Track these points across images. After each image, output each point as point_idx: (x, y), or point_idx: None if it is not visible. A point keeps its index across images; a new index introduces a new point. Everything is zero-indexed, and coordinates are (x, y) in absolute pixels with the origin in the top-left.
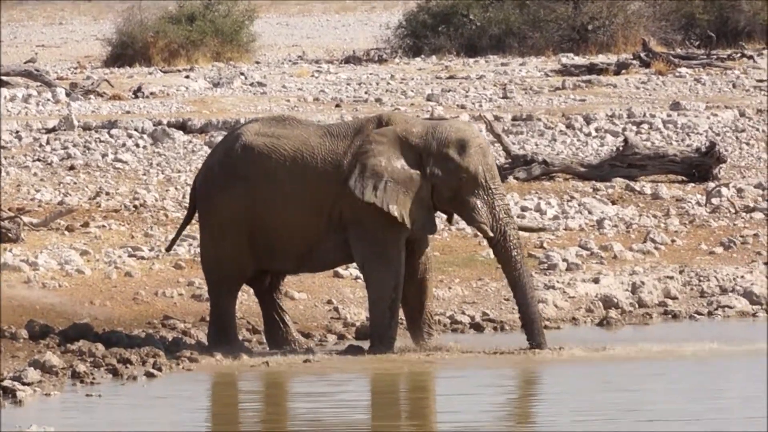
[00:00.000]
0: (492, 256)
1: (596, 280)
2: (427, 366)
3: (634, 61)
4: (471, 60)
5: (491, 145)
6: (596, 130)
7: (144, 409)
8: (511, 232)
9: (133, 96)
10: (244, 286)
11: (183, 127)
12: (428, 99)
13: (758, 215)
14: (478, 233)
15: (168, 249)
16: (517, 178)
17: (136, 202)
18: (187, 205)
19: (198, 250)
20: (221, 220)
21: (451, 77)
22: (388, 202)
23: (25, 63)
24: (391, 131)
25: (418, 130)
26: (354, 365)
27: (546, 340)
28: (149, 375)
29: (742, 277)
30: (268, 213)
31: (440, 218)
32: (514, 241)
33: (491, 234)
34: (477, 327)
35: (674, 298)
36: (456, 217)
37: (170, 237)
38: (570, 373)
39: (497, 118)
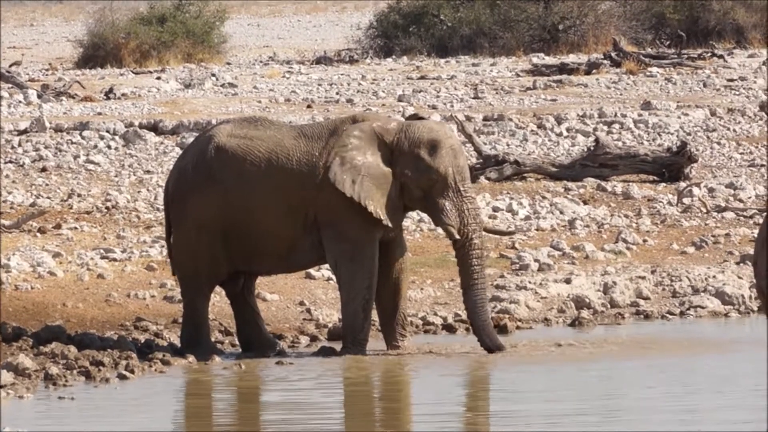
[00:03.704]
0: None
1: (568, 281)
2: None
3: (605, 61)
4: (442, 60)
5: (463, 146)
6: (567, 129)
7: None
8: (477, 240)
9: (105, 97)
10: (216, 288)
11: (155, 128)
12: (399, 99)
13: (729, 215)
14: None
15: (173, 272)
16: (488, 179)
17: (108, 204)
18: (159, 206)
19: None
20: (196, 222)
21: (422, 78)
22: (365, 198)
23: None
24: (368, 126)
25: (392, 127)
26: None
27: (500, 342)
28: (122, 377)
29: (714, 277)
30: (244, 215)
31: (409, 218)
32: (477, 249)
33: (457, 237)
34: (449, 328)
35: (646, 299)
36: (427, 217)
37: (142, 239)
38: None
39: (469, 119)
